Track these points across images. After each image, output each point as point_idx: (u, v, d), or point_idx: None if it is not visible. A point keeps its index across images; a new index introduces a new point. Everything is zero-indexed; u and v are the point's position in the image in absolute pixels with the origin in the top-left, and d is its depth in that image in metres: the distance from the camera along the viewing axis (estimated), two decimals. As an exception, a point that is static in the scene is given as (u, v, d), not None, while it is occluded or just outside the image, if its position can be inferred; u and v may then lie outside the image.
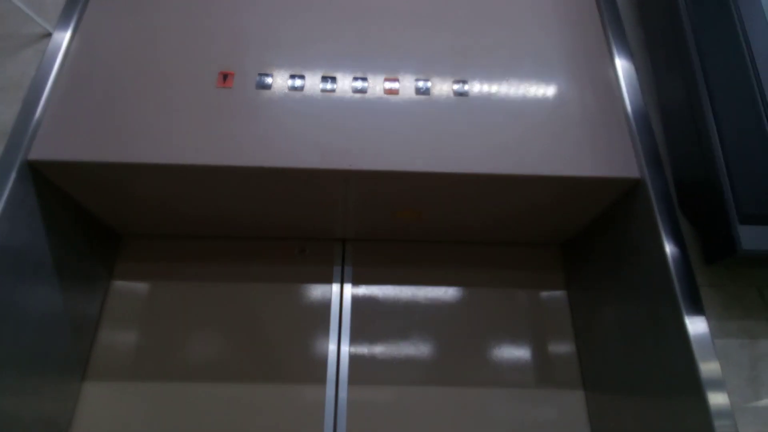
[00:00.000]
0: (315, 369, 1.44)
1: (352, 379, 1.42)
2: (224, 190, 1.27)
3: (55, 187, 1.24)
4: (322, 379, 1.42)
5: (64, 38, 1.29)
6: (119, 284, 1.54)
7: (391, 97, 1.24)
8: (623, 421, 1.26)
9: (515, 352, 1.48)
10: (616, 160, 1.18)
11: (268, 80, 1.24)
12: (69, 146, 1.15)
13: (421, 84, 1.25)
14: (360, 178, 1.18)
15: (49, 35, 1.34)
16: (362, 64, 1.28)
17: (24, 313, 1.18)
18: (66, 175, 1.21)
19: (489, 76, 1.27)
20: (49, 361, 1.28)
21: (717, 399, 0.97)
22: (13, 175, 1.12)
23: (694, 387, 1.00)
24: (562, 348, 1.50)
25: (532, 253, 1.62)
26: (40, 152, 1.14)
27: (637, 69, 1.30)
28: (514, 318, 1.53)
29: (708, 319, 1.04)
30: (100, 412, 1.38)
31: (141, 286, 1.55)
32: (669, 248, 1.09)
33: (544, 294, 1.57)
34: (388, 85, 1.25)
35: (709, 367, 0.99)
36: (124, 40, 1.29)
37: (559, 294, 1.57)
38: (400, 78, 1.26)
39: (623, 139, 1.20)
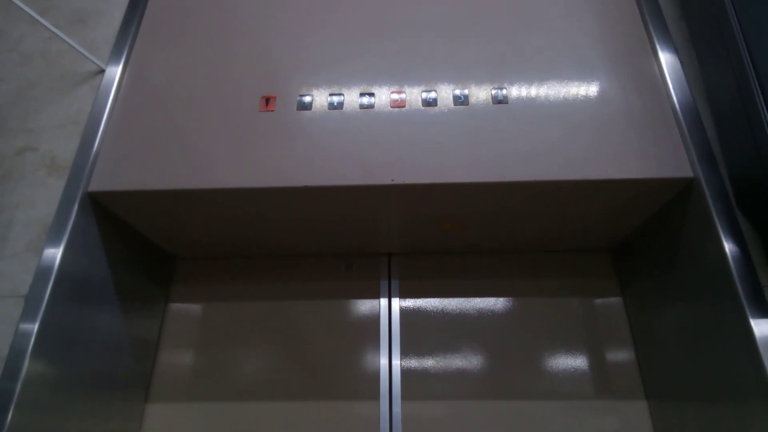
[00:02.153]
0: (368, 384, 1.44)
1: (405, 394, 1.42)
2: (271, 210, 1.30)
3: (113, 216, 1.30)
4: (375, 395, 1.42)
5: (116, 73, 1.35)
6: (175, 306, 1.60)
7: (430, 109, 1.24)
8: (689, 429, 1.20)
9: (572, 363, 1.44)
10: (666, 159, 1.13)
11: (308, 100, 1.27)
12: (125, 177, 1.21)
13: (458, 93, 1.25)
14: (402, 192, 1.18)
15: (102, 71, 1.41)
16: (399, 78, 1.29)
17: (89, 338, 1.24)
18: (123, 204, 1.27)
19: (528, 80, 1.26)
20: (114, 383, 1.34)
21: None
22: (75, 207, 1.18)
23: (763, 391, 0.95)
24: (620, 356, 1.45)
25: (583, 260, 1.57)
26: (99, 184, 1.20)
27: (683, 64, 1.25)
28: (568, 327, 1.48)
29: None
30: (163, 431, 1.42)
31: (196, 307, 1.60)
32: (729, 248, 1.04)
33: (598, 301, 1.52)
34: (426, 96, 1.25)
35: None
36: (172, 72, 1.34)
37: (614, 300, 1.52)
38: (437, 89, 1.27)
39: (673, 137, 1.16)
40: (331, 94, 1.28)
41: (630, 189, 1.16)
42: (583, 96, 1.23)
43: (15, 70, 1.53)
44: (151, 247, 1.52)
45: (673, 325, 1.27)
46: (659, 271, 1.32)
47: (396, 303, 1.54)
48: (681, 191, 1.16)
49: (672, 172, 1.12)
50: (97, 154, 1.24)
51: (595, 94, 1.23)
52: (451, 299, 1.54)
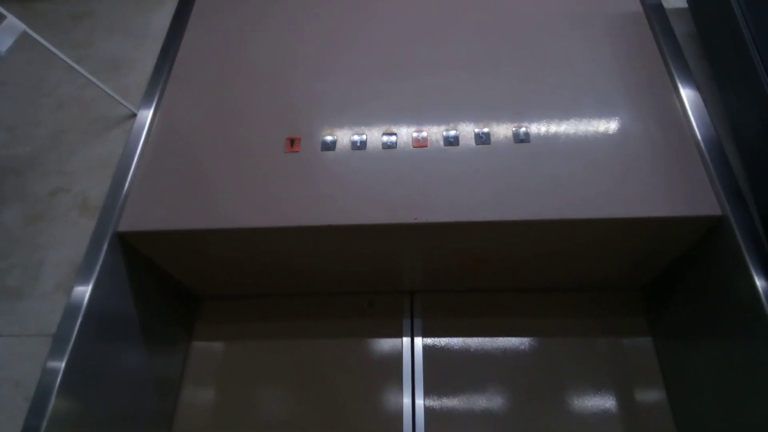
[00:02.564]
0: (390, 425, 1.41)
1: (430, 430, 1.38)
2: (296, 249, 1.32)
3: (141, 255, 1.32)
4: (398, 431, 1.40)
5: (147, 117, 1.40)
6: (198, 345, 1.60)
7: (451, 148, 1.25)
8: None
9: (600, 404, 1.39)
10: (693, 197, 1.12)
11: (332, 140, 1.29)
12: (153, 217, 1.23)
13: (480, 132, 1.27)
14: (425, 230, 1.19)
15: (134, 116, 1.46)
16: (421, 117, 1.31)
17: (115, 376, 1.24)
18: (151, 244, 1.29)
19: (549, 119, 1.27)
20: (138, 421, 1.34)
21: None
22: (105, 247, 1.21)
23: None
24: (651, 397, 1.39)
25: (610, 298, 1.53)
26: (129, 224, 1.23)
27: (706, 102, 1.25)
28: (596, 367, 1.44)
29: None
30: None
31: (219, 346, 1.60)
32: (761, 286, 1.01)
33: (627, 340, 1.48)
34: (447, 135, 1.27)
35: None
36: (200, 116, 1.39)
37: (643, 340, 1.47)
38: (459, 128, 1.28)
39: (699, 174, 1.15)
40: (354, 135, 1.30)
41: (657, 227, 1.15)
42: (605, 133, 1.23)
43: (51, 114, 1.59)
44: (177, 286, 1.54)
45: (705, 366, 1.23)
46: (690, 309, 1.29)
47: (419, 341, 1.52)
48: (710, 229, 1.15)
49: (700, 210, 1.10)
50: (127, 196, 1.28)
51: (618, 131, 1.23)
52: (475, 338, 1.52)
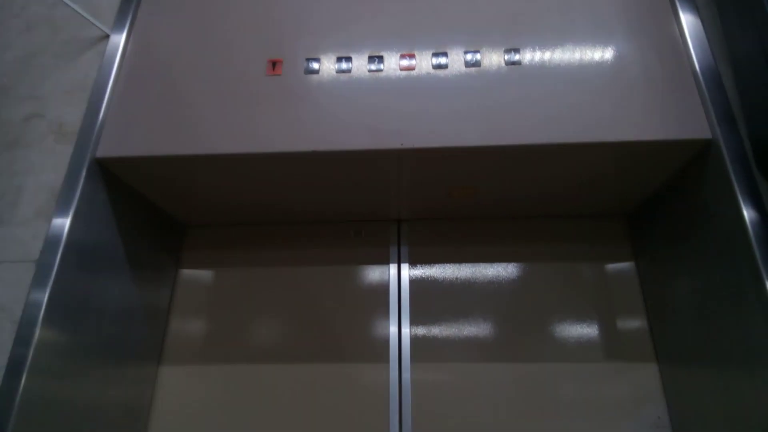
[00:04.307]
0: (377, 348, 1.45)
1: (415, 358, 1.43)
2: (280, 176, 1.30)
3: (122, 183, 1.30)
4: (384, 358, 1.43)
5: (120, 39, 1.34)
6: (186, 273, 1.61)
7: (440, 72, 1.21)
8: (702, 394, 1.20)
9: (582, 327, 1.43)
10: (684, 120, 1.10)
11: (316, 65, 1.24)
12: (132, 143, 1.20)
13: (470, 56, 1.22)
14: (412, 156, 1.17)
15: (107, 37, 1.39)
16: (409, 41, 1.26)
17: (102, 305, 1.25)
18: (131, 170, 1.27)
19: (542, 42, 1.22)
20: (127, 349, 1.36)
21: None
22: (83, 173, 1.18)
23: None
24: (632, 321, 1.44)
25: (597, 225, 1.54)
26: (107, 150, 1.20)
27: (704, 23, 1.21)
28: (580, 292, 1.47)
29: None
30: (176, 395, 1.45)
31: (206, 273, 1.61)
32: (747, 210, 1.02)
33: (612, 267, 1.51)
34: (436, 60, 1.22)
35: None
36: (177, 37, 1.32)
37: (627, 266, 1.50)
38: (448, 51, 1.23)
39: (691, 97, 1.12)
40: (339, 58, 1.25)
41: (645, 151, 1.14)
42: (599, 58, 1.19)
43: (20, 36, 1.51)
44: (161, 215, 1.52)
45: (686, 290, 1.25)
46: (675, 236, 1.30)
47: (405, 269, 1.54)
48: (699, 153, 1.14)
49: (690, 134, 1.09)
50: (104, 120, 1.24)
51: (613, 55, 1.19)
52: (460, 265, 1.54)
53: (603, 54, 1.19)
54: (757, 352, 1.00)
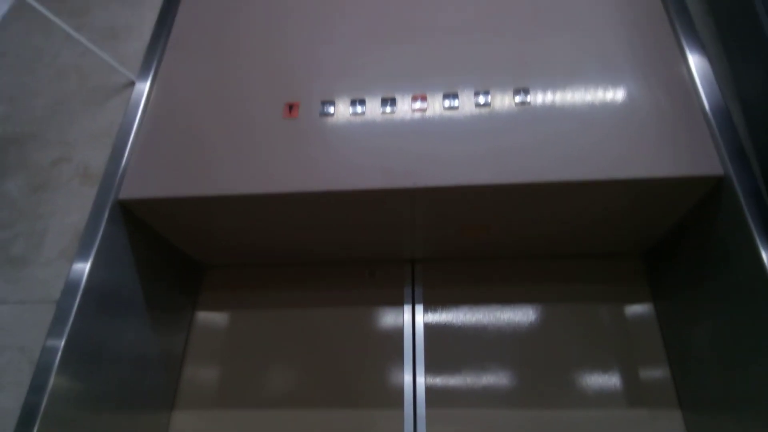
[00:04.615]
0: (392, 392, 1.43)
1: (430, 402, 1.40)
2: (295, 217, 1.32)
3: (142, 224, 1.33)
4: (399, 403, 1.41)
5: (145, 85, 1.39)
6: (202, 315, 1.62)
7: (452, 113, 1.24)
8: (726, 439, 1.15)
9: (603, 371, 1.40)
10: (696, 157, 1.10)
11: (331, 108, 1.28)
12: (154, 185, 1.24)
13: (480, 95, 1.25)
14: (425, 195, 1.18)
15: (132, 84, 1.45)
16: (421, 83, 1.29)
17: (118, 351, 1.26)
18: (152, 211, 1.30)
19: (552, 81, 1.24)
20: (141, 394, 1.36)
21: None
22: (106, 214, 1.22)
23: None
24: (653, 364, 1.40)
25: (613, 265, 1.52)
26: (129, 192, 1.24)
27: (711, 60, 1.22)
28: (599, 334, 1.44)
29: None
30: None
31: (222, 315, 1.62)
32: (763, 246, 1.01)
33: (629, 307, 1.47)
34: (447, 101, 1.25)
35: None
36: (198, 83, 1.38)
37: (645, 307, 1.47)
38: (459, 91, 1.26)
39: (702, 134, 1.13)
40: (353, 101, 1.29)
41: (658, 188, 1.14)
42: (609, 97, 1.21)
43: (50, 84, 1.59)
44: (180, 255, 1.55)
45: (707, 331, 1.22)
46: (692, 274, 1.28)
47: (420, 309, 1.53)
48: (712, 190, 1.13)
49: (702, 170, 1.09)
50: (128, 164, 1.28)
51: (622, 94, 1.21)
52: (475, 306, 1.52)
53: (612, 93, 1.21)
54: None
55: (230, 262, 1.65)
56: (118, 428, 1.26)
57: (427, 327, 1.51)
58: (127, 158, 1.29)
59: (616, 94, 1.21)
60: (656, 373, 1.39)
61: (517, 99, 1.23)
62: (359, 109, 1.27)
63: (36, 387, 1.05)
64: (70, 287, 1.14)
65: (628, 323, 1.46)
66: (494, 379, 1.42)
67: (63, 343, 1.08)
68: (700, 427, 1.27)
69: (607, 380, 1.39)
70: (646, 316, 1.46)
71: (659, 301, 1.45)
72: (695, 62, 1.23)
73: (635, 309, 1.48)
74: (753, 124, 1.12)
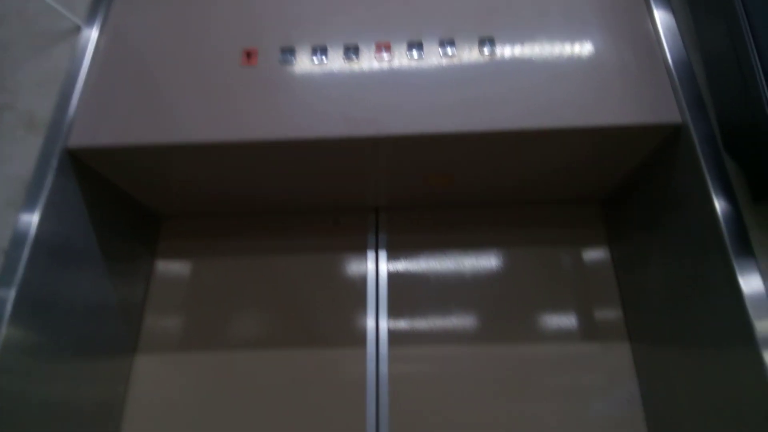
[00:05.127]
0: (355, 334, 1.46)
1: (393, 341, 1.44)
2: (257, 166, 1.29)
3: (95, 173, 1.28)
4: (362, 343, 1.44)
5: (93, 30, 1.33)
6: (161, 264, 1.59)
7: (416, 62, 1.22)
8: (672, 373, 1.22)
9: (559, 311, 1.45)
10: (655, 105, 1.12)
11: (291, 54, 1.24)
12: (105, 132, 1.19)
13: (447, 48, 1.23)
14: (388, 143, 1.17)
15: (79, 29, 1.37)
16: (384, 31, 1.26)
17: (73, 300, 1.23)
18: (103, 161, 1.25)
19: (516, 30, 1.23)
20: (100, 344, 1.34)
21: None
22: (54, 164, 1.16)
23: (747, 342, 0.95)
24: (606, 304, 1.46)
25: (572, 211, 1.56)
26: (78, 140, 1.18)
27: (675, 12, 1.23)
28: (557, 277, 1.49)
29: (759, 263, 0.98)
30: (152, 389, 1.43)
31: (182, 265, 1.59)
32: (716, 194, 1.03)
33: (586, 251, 1.52)
34: (412, 50, 1.23)
35: (763, 324, 0.93)
36: (151, 28, 1.31)
37: (601, 250, 1.52)
38: (423, 42, 1.24)
39: (662, 84, 1.14)
40: (314, 49, 1.25)
41: (617, 135, 1.15)
42: (573, 47, 1.20)
43: (-9, 29, 1.49)
44: (136, 206, 1.51)
45: (658, 272, 1.27)
46: (647, 221, 1.32)
47: (383, 256, 1.55)
48: (669, 137, 1.15)
49: (660, 118, 1.11)
50: (76, 111, 1.22)
51: (586, 44, 1.21)
52: (438, 251, 1.55)
53: (577, 45, 1.21)
54: (725, 334, 1.02)
55: (189, 211, 1.61)
56: (79, 375, 1.25)
57: (391, 273, 1.53)
58: (75, 106, 1.23)
59: (581, 46, 1.21)
60: (609, 311, 1.46)
61: (483, 49, 1.22)
62: (321, 57, 1.23)
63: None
64: (18, 238, 1.10)
65: (585, 266, 1.51)
66: (455, 319, 1.47)
67: (14, 293, 1.05)
68: (646, 357, 1.34)
69: (563, 318, 1.45)
70: (602, 259, 1.51)
71: (615, 245, 1.51)
72: (659, 14, 1.23)
73: (592, 252, 1.53)
74: (712, 74, 1.14)
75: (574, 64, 1.18)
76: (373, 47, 1.24)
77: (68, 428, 1.20)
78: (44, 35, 1.43)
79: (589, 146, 1.22)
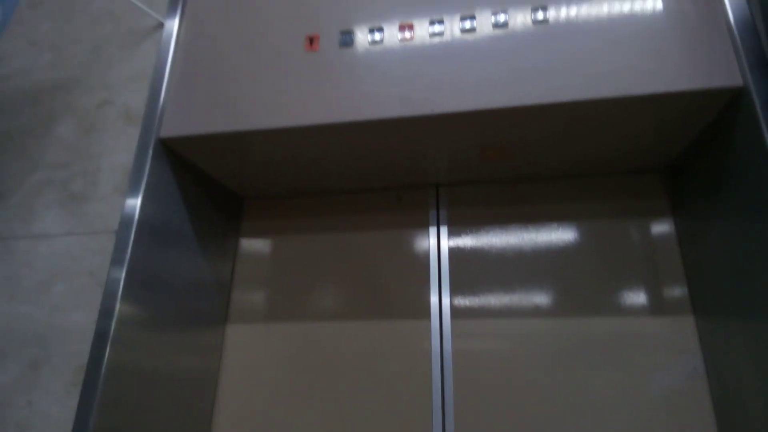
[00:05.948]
0: (420, 307, 1.54)
1: (456, 315, 1.50)
2: (323, 148, 1.39)
3: (184, 160, 1.43)
4: (426, 315, 1.52)
5: (173, 26, 1.45)
6: (246, 242, 1.75)
7: (469, 36, 1.24)
8: (737, 347, 1.20)
9: (621, 285, 1.45)
10: (715, 69, 1.09)
11: (349, 38, 1.31)
12: (190, 122, 1.32)
13: (497, 17, 1.24)
14: (444, 121, 1.22)
15: (161, 25, 1.51)
16: (437, 7, 1.29)
17: (172, 277, 1.38)
18: (191, 148, 1.39)
19: (568, -2, 1.22)
20: (198, 314, 1.50)
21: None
22: (150, 153, 1.32)
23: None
24: (670, 275, 1.44)
25: (633, 181, 1.53)
26: (169, 130, 1.33)
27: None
28: (619, 249, 1.48)
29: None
30: (241, 358, 1.60)
31: (263, 242, 1.74)
32: (778, 157, 1.01)
33: (649, 222, 1.49)
34: (464, 24, 1.26)
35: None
36: (223, 21, 1.42)
37: (665, 221, 1.49)
38: (476, 14, 1.26)
39: (723, 45, 1.10)
40: (371, 29, 1.30)
41: (676, 102, 1.13)
42: (629, 10, 1.18)
43: (88, 30, 1.67)
44: (220, 189, 1.66)
45: (723, 244, 1.24)
46: (710, 190, 1.29)
47: (444, 231, 1.61)
48: (730, 101, 1.12)
49: (721, 81, 1.08)
50: (165, 103, 1.36)
51: (641, 9, 1.17)
52: (497, 226, 1.58)
53: (632, 6, 1.18)
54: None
55: (267, 192, 1.75)
56: (180, 347, 1.42)
57: (452, 248, 1.59)
58: (164, 98, 1.37)
59: (637, 8, 1.18)
60: (673, 283, 1.44)
61: (536, 17, 1.22)
62: (377, 36, 1.29)
63: (104, 312, 1.19)
64: (126, 220, 1.27)
65: (648, 237, 1.49)
66: (517, 293, 1.51)
67: (124, 272, 1.21)
68: (710, 331, 1.32)
69: (626, 292, 1.44)
70: (666, 230, 1.48)
71: (678, 215, 1.47)
72: (723, -30, 1.17)
73: (653, 224, 1.50)
74: (778, 32, 1.09)
75: (631, 27, 1.16)
76: (427, 23, 1.28)
77: (174, 395, 1.36)
78: (131, 33, 1.60)
79: (648, 114, 1.20)
